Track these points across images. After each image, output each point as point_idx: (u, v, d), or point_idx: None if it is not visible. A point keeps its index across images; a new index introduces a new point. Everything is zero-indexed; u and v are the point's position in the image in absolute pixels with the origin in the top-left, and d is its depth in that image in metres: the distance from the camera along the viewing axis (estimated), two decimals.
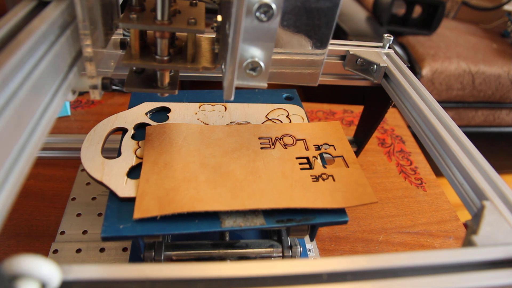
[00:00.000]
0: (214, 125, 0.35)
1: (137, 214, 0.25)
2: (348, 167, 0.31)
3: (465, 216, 0.26)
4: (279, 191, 0.28)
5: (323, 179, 0.30)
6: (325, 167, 0.31)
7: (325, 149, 0.33)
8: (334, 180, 0.30)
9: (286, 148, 0.33)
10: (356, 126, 0.49)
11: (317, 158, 0.32)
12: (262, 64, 0.23)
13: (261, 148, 0.33)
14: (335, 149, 0.33)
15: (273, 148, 0.33)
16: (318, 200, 0.28)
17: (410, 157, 0.56)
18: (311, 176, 0.30)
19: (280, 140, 0.34)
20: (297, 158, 0.32)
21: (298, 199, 0.28)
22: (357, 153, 0.49)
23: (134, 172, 0.29)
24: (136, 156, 0.31)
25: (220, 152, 0.31)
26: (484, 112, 1.12)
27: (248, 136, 0.34)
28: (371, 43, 0.42)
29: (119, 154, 0.31)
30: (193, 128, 0.34)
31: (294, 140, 0.34)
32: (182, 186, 0.28)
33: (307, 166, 0.31)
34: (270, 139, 0.34)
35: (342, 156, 0.33)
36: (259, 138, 0.34)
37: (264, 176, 0.29)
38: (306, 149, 0.33)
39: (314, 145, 0.33)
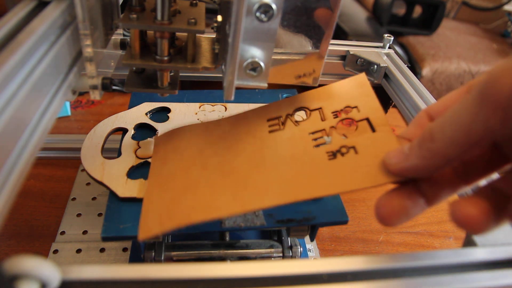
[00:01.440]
0: (221, 118, 0.31)
1: (141, 236, 0.23)
2: (375, 131, 0.24)
3: None
4: (285, 181, 0.24)
5: (342, 154, 0.24)
6: (345, 138, 0.25)
7: (346, 114, 0.26)
8: (356, 152, 0.23)
9: (297, 125, 0.27)
10: None
11: (335, 128, 0.26)
12: (262, 64, 0.23)
13: (270, 131, 0.27)
14: (358, 111, 0.26)
15: (283, 129, 0.27)
16: (333, 185, 0.23)
17: None
18: (327, 153, 0.24)
19: (291, 116, 0.28)
20: (311, 133, 0.26)
21: (307, 188, 0.23)
22: None
23: (134, 172, 0.29)
24: (136, 156, 0.31)
25: (223, 148, 0.28)
26: None
27: (256, 120, 0.29)
28: (371, 43, 0.42)
29: (119, 154, 0.31)
30: (198, 127, 0.31)
31: (308, 112, 0.28)
32: (182, 196, 0.25)
33: (324, 140, 0.25)
34: (279, 118, 0.28)
35: (368, 118, 0.25)
36: (268, 120, 0.28)
37: (270, 166, 0.25)
38: (322, 120, 0.27)
39: (332, 112, 0.27)
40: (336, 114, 0.27)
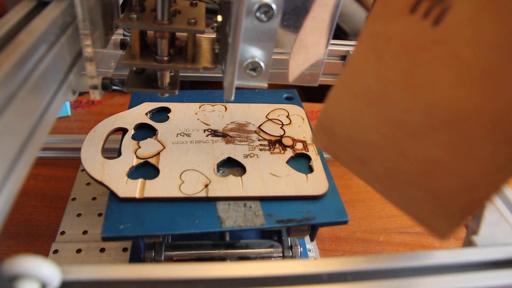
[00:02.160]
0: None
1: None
2: None
3: None
4: (484, 112, 0.15)
5: None
6: None
7: None
8: None
9: (438, 30, 0.16)
10: None
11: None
12: (262, 64, 0.23)
13: (433, 24, 0.16)
14: None
15: (426, 51, 0.17)
16: None
17: None
18: None
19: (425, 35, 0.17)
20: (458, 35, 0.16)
21: None
22: None
23: (134, 172, 0.29)
24: (136, 156, 0.31)
25: (409, 91, 0.18)
26: None
27: (409, 32, 0.17)
28: None
29: (119, 154, 0.31)
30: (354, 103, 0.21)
31: (440, 10, 0.16)
32: (424, 193, 0.20)
33: None
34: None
35: None
36: (411, 14, 0.17)
37: (452, 110, 0.16)
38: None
39: None
40: None
